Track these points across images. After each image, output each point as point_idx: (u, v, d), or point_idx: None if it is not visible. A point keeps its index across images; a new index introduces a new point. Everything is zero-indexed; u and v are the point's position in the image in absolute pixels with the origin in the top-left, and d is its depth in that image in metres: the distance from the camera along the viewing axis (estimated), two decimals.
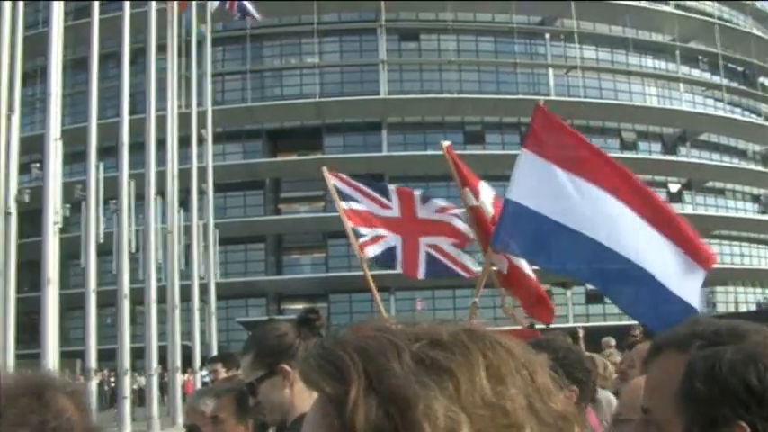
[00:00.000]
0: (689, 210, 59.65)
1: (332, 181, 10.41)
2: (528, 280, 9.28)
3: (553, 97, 60.35)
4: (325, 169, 10.61)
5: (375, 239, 10.30)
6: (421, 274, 10.50)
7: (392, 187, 11.10)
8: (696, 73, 67.25)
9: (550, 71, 63.93)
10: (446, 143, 9.66)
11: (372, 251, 10.30)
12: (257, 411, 3.50)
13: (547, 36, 65.05)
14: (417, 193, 10.90)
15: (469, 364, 1.00)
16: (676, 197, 61.46)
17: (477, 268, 9.98)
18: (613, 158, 8.21)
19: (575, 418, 1.05)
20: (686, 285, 7.01)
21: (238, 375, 6.37)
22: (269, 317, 49.52)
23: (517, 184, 7.44)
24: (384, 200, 10.62)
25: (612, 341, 14.63)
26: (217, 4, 33.68)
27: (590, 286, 55.72)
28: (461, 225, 10.03)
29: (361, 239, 10.14)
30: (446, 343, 1.01)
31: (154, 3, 26.42)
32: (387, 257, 10.51)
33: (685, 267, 7.02)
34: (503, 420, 0.98)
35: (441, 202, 10.57)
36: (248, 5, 33.69)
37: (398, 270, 10.67)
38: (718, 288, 63.28)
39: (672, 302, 6.93)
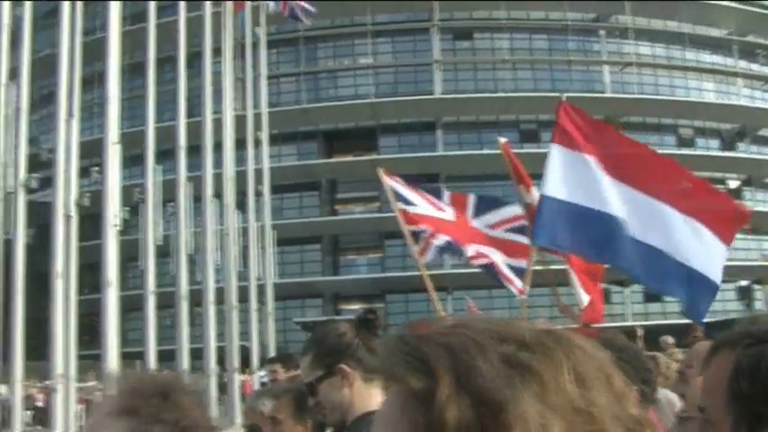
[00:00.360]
0: (749, 206, 58.68)
1: (388, 182, 10.43)
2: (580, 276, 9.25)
3: (609, 94, 59.95)
4: (381, 170, 10.62)
5: (432, 237, 10.33)
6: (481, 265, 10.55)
7: (447, 193, 11.13)
8: (755, 67, 66.25)
9: (606, 68, 63.37)
10: (503, 140, 9.65)
11: (431, 252, 10.35)
12: (316, 412, 3.51)
13: (601, 32, 64.46)
14: (472, 197, 10.90)
15: (554, 367, 0.97)
16: (736, 194, 60.57)
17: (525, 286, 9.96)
18: (650, 148, 8.19)
19: (647, 423, 1.02)
20: (718, 268, 7.04)
21: (300, 376, 6.39)
22: (326, 317, 49.68)
23: (552, 179, 7.48)
24: (439, 203, 10.65)
25: (671, 339, 14.47)
26: (272, 4, 33.83)
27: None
28: (521, 239, 9.96)
29: (421, 239, 10.19)
30: (530, 344, 0.99)
31: (209, 5, 26.60)
32: (447, 251, 10.55)
33: (720, 252, 7.04)
34: (589, 427, 0.95)
35: (496, 216, 10.54)
36: (297, 8, 33.81)
37: (464, 259, 10.66)
38: None
39: (713, 292, 6.97)
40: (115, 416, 1.88)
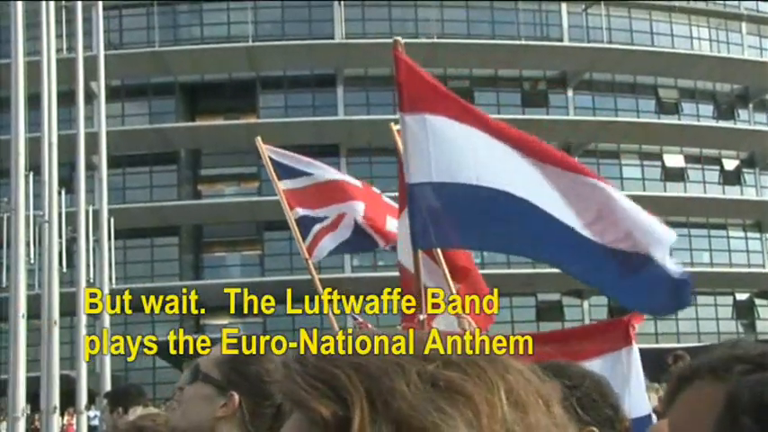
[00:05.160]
0: (751, 193, 59.76)
1: (267, 153, 10.50)
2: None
3: (567, 43, 60.60)
4: (259, 139, 10.68)
5: (327, 228, 10.42)
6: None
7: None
8: (765, 8, 67.14)
9: (563, 7, 63.84)
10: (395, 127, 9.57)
11: (327, 245, 10.45)
12: None
13: None
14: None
15: (488, 389, 1.08)
16: (733, 176, 61.45)
17: None
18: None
19: None
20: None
21: (161, 415, 6.29)
22: (184, 336, 49.41)
23: (413, 162, 7.52)
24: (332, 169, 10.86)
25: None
26: None
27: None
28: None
29: (312, 231, 10.28)
30: (458, 363, 1.11)
31: None
32: (354, 243, 10.68)
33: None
34: None
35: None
36: None
37: (380, 246, 10.83)
38: None
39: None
40: None
